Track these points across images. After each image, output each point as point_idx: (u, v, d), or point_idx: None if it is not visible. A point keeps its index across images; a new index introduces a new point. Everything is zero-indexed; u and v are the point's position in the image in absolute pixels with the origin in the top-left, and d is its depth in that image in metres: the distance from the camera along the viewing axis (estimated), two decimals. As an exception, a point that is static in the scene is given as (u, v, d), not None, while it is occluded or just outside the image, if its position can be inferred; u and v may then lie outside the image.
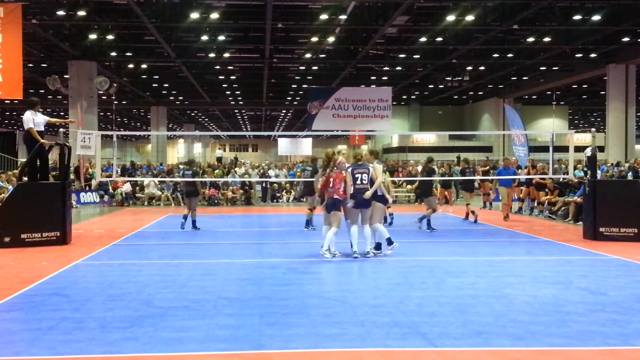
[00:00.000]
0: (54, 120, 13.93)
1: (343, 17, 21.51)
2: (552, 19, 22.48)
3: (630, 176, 19.26)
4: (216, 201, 22.70)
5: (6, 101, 34.55)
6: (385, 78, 35.60)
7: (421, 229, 13.65)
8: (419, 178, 14.95)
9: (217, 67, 32.79)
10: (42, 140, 11.69)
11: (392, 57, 29.40)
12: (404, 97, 46.42)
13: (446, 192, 18.64)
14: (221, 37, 24.37)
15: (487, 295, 7.03)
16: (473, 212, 15.69)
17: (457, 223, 15.37)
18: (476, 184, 19.32)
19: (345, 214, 9.84)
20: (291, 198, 24.58)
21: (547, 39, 25.14)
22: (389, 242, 9.96)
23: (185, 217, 13.84)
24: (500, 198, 17.23)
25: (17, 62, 15.60)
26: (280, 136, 54.96)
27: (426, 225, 13.62)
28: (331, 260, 9.49)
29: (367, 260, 9.57)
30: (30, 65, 28.48)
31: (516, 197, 18.69)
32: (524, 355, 4.91)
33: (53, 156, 18.88)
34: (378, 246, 9.97)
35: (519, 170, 18.59)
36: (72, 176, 19.97)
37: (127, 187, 22.61)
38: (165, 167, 30.50)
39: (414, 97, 47.27)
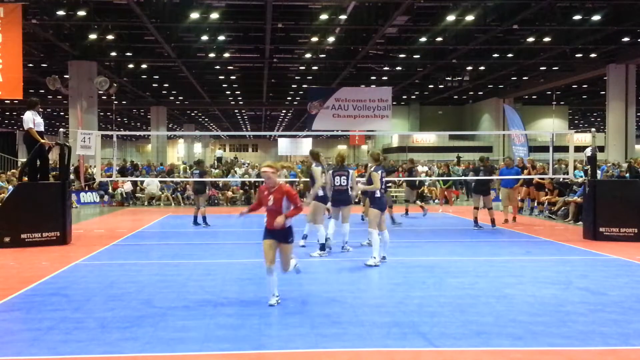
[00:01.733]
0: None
1: (343, 17, 21.51)
2: (552, 19, 22.47)
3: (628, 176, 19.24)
4: (216, 201, 22.70)
5: (6, 101, 34.56)
6: (385, 78, 35.60)
7: (482, 228, 13.95)
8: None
9: (217, 67, 32.79)
10: (42, 141, 11.69)
11: (392, 57, 29.40)
12: (404, 97, 46.42)
13: (446, 192, 18.65)
14: (221, 37, 24.37)
15: (487, 295, 7.03)
16: (423, 207, 16.60)
17: (457, 223, 15.36)
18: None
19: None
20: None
21: (547, 39, 25.14)
22: (322, 247, 9.85)
23: (196, 217, 14.76)
24: (500, 198, 17.19)
25: (17, 62, 15.58)
26: (280, 136, 55.07)
27: (491, 224, 14.06)
28: (332, 260, 9.49)
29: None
30: (30, 65, 28.48)
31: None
32: (524, 355, 4.91)
33: (53, 156, 18.89)
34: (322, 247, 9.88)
35: (525, 171, 18.50)
36: (72, 176, 19.98)
37: (127, 187, 22.62)
38: (165, 167, 30.50)
39: (414, 97, 47.27)
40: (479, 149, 42.62)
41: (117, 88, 28.12)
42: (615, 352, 5.00)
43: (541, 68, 33.45)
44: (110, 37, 24.62)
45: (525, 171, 18.21)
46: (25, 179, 12.40)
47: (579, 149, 18.46)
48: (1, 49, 15.24)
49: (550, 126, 43.47)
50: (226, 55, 28.27)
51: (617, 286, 7.56)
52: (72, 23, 22.66)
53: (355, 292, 7.26)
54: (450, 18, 21.66)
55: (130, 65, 31.91)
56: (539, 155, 24.67)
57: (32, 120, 11.55)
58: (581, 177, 17.06)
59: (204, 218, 14.82)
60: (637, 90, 30.90)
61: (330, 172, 10.45)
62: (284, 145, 49.40)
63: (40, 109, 12.59)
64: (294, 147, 48.63)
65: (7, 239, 10.86)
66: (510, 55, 29.16)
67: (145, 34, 25.22)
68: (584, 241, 11.80)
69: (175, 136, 73.85)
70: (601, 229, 11.77)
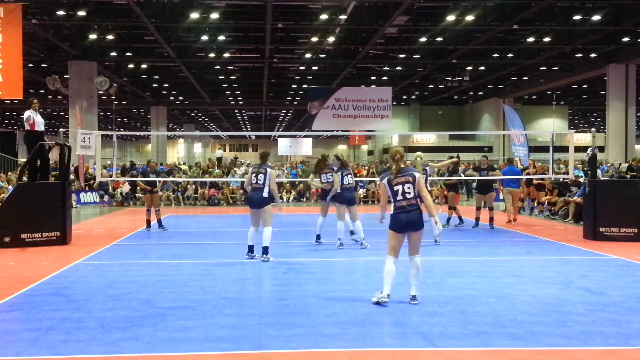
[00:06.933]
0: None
1: (343, 17, 21.52)
2: (552, 19, 22.48)
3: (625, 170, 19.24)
4: (216, 201, 22.71)
5: (6, 101, 34.55)
6: (385, 78, 35.59)
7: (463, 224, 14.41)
8: (473, 178, 15.64)
9: (217, 67, 32.79)
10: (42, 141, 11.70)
11: (392, 57, 29.39)
12: (404, 97, 46.42)
13: (446, 192, 18.60)
14: (221, 37, 24.37)
15: (487, 295, 7.03)
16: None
17: (457, 223, 15.31)
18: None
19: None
20: (291, 198, 24.58)
21: (547, 39, 25.14)
22: (265, 250, 9.68)
23: (156, 221, 14.13)
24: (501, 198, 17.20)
25: (17, 62, 15.57)
26: (280, 136, 54.98)
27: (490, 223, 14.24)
28: (332, 260, 9.49)
29: (368, 260, 9.57)
30: (30, 65, 28.46)
31: (501, 198, 18.83)
32: (524, 355, 4.91)
33: (53, 156, 18.89)
34: (264, 250, 9.67)
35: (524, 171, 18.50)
36: (72, 176, 19.98)
37: (127, 187, 22.61)
38: (165, 166, 30.49)
39: (414, 97, 47.26)
40: (479, 149, 42.61)
41: (117, 88, 28.11)
42: (615, 352, 5.00)
43: (541, 68, 33.45)
44: (110, 37, 24.61)
45: (524, 171, 18.27)
46: (25, 179, 12.41)
47: (579, 149, 18.46)
48: (1, 49, 15.23)
49: (550, 126, 43.43)
50: (226, 55, 28.27)
51: (617, 286, 7.56)
52: (72, 23, 22.66)
53: (355, 292, 7.26)
54: (450, 18, 21.66)
55: (130, 65, 31.90)
56: (539, 155, 24.65)
57: (32, 119, 11.59)
58: (581, 176, 17.07)
59: (159, 221, 14.25)
60: (637, 90, 30.87)
61: (340, 172, 10.85)
62: (284, 145, 49.28)
63: (40, 109, 12.61)
64: (294, 147, 48.49)
65: (7, 239, 10.86)
66: (510, 55, 29.16)
67: (145, 34, 25.21)
68: (584, 241, 11.80)
69: (175, 136, 73.82)
70: (601, 229, 11.76)
